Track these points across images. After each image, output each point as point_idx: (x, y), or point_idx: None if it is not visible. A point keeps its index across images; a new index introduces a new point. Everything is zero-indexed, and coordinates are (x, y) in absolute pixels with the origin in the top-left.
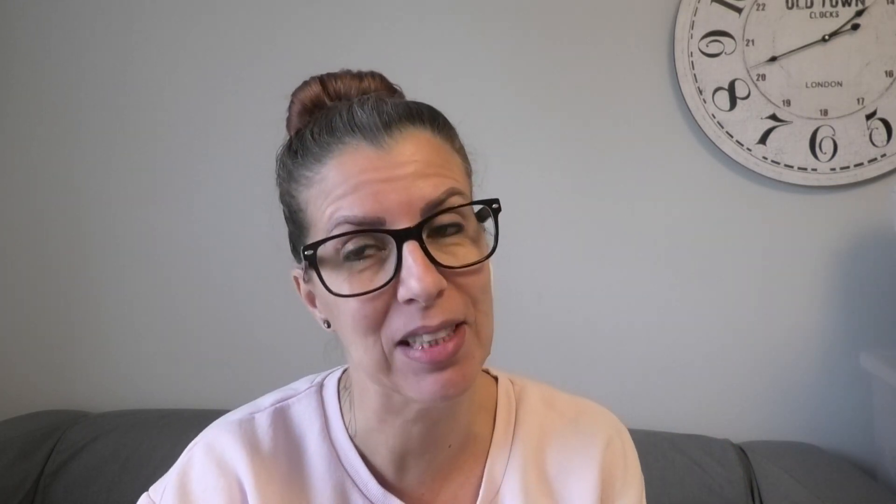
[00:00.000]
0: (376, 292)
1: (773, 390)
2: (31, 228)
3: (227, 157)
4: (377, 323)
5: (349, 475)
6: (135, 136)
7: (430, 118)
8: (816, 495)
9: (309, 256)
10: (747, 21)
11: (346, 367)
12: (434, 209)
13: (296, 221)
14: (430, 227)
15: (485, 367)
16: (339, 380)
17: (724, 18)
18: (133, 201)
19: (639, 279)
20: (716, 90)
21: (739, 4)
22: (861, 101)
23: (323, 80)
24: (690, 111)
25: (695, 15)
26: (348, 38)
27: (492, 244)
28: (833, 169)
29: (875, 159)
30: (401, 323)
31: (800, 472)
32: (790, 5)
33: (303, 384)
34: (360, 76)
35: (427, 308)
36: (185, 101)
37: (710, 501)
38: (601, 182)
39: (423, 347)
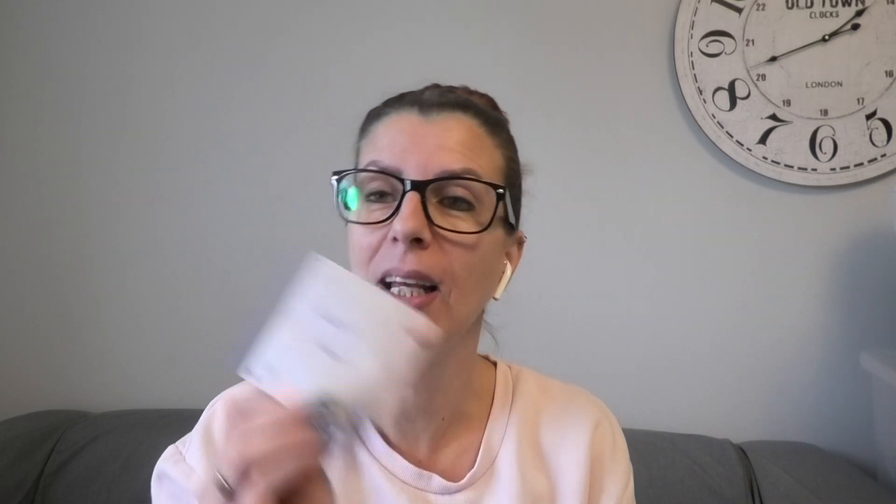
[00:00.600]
0: (372, 225)
1: (773, 390)
2: (32, 228)
3: (229, 157)
4: (370, 256)
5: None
6: (136, 137)
7: (481, 112)
8: (816, 495)
9: (336, 181)
10: (747, 21)
11: None
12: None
13: (355, 166)
14: (440, 195)
15: (485, 353)
16: None
17: (724, 18)
18: (134, 201)
19: (639, 279)
20: (716, 90)
21: (739, 4)
22: (861, 101)
23: (440, 87)
24: (690, 111)
25: (695, 15)
26: (350, 41)
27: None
28: (833, 169)
29: (875, 159)
30: (385, 261)
31: (800, 472)
32: (790, 5)
33: None
34: (471, 93)
35: (406, 253)
36: (187, 101)
37: (710, 501)
38: (601, 182)
39: (396, 294)
